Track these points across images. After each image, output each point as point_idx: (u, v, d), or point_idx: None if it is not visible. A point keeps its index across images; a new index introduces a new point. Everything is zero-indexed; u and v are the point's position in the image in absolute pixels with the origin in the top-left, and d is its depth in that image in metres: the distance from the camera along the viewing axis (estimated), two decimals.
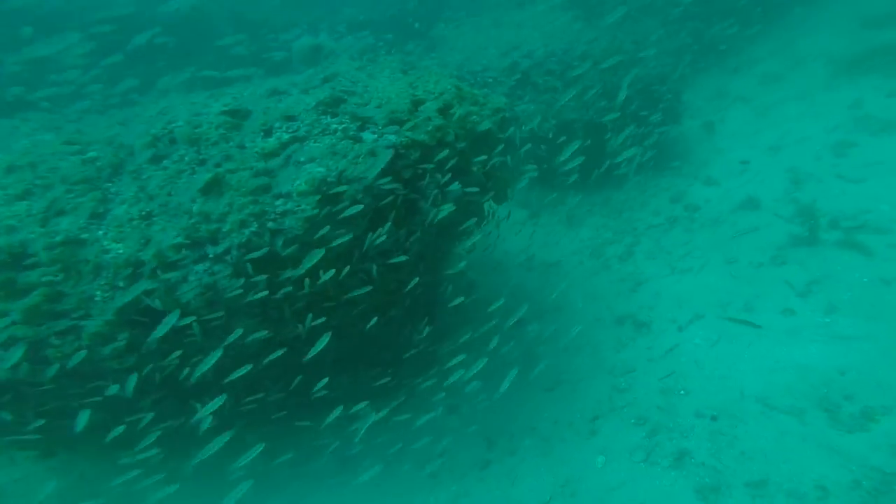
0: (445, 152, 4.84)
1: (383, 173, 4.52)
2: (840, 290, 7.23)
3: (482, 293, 9.08)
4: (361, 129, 4.96)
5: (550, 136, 10.34)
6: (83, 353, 4.06)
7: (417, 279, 5.01)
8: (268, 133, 4.90)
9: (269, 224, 4.22)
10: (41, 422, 4.45)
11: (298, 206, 4.27)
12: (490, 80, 10.63)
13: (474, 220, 5.91)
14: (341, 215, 4.30)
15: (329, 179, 4.35)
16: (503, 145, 5.72)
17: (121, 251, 4.19)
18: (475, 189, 5.18)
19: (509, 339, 7.97)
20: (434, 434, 6.82)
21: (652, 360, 7.13)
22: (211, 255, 4.22)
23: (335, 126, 4.93)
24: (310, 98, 5.39)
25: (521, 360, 7.62)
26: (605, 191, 10.89)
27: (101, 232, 4.40)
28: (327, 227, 4.24)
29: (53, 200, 4.57)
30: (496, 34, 11.95)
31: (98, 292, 4.18)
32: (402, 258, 4.74)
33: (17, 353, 3.87)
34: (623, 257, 9.08)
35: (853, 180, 9.10)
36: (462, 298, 6.55)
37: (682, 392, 6.53)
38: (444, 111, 5.23)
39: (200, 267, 4.14)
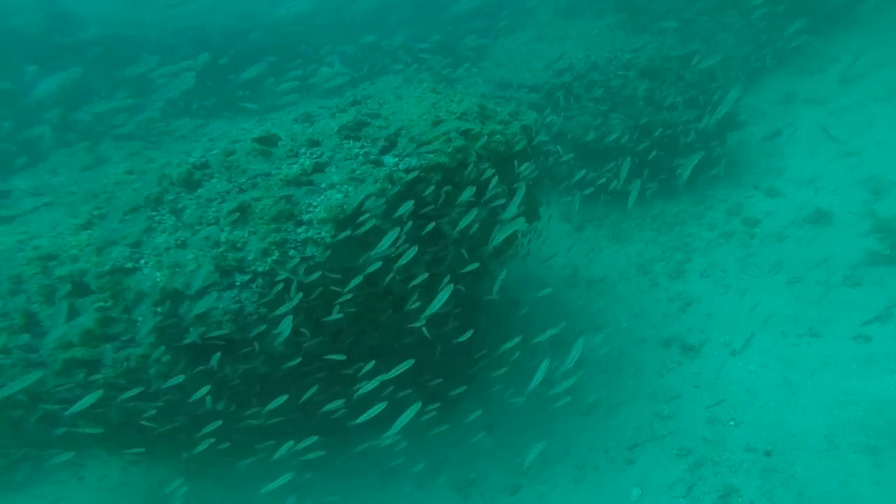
0: (468, 173, 4.79)
1: (402, 197, 4.56)
2: None
3: (523, 310, 8.84)
4: (383, 152, 5.02)
5: (596, 147, 10.00)
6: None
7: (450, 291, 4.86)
8: (293, 160, 5.03)
9: (291, 252, 4.33)
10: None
11: (319, 233, 4.35)
12: (528, 95, 10.49)
13: (505, 236, 5.75)
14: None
15: (346, 207, 4.41)
16: (532, 163, 5.58)
17: (159, 280, 4.41)
18: (508, 210, 5.05)
19: (549, 358, 7.66)
20: (469, 453, 6.66)
21: (699, 386, 6.60)
22: (238, 283, 4.38)
23: (357, 150, 5.01)
24: (335, 122, 5.50)
25: (560, 380, 7.28)
26: (657, 203, 10.34)
27: (143, 261, 4.66)
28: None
29: (111, 230, 4.87)
30: (540, 47, 11.76)
31: (139, 318, 4.43)
32: (422, 276, 4.69)
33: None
34: (672, 275, 8.53)
35: None
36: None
37: (732, 423, 5.98)
38: (466, 131, 5.16)
39: (229, 294, 4.34)
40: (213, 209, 4.83)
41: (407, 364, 4.47)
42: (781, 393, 6.11)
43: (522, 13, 15.96)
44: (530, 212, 5.94)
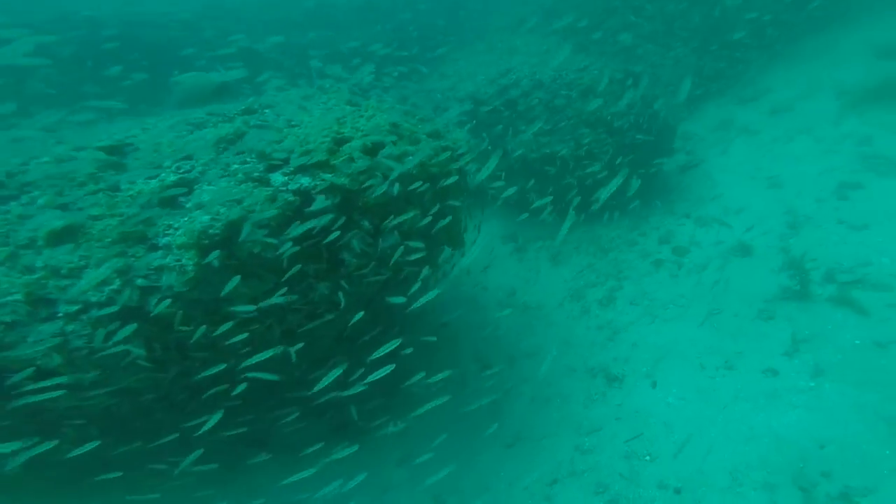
0: (374, 196, 4.62)
1: (289, 221, 4.24)
2: (829, 351, 6.81)
3: (453, 332, 8.87)
4: (270, 170, 4.62)
5: (536, 167, 10.16)
6: None
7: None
8: (154, 173, 4.50)
9: (139, 281, 3.89)
10: None
11: (179, 260, 3.94)
12: (467, 109, 10.52)
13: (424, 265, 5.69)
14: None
15: (212, 231, 4.01)
16: (456, 186, 5.51)
17: None
18: (417, 241, 4.95)
19: (475, 386, 7.73)
20: (380, 487, 6.57)
21: (620, 418, 6.78)
22: (61, 314, 3.83)
23: (236, 166, 4.59)
24: (214, 133, 5.05)
25: (485, 410, 7.33)
26: (595, 226, 10.61)
27: None
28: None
29: None
30: (488, 60, 11.86)
31: None
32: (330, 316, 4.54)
33: None
34: (604, 302, 8.76)
35: (855, 227, 8.67)
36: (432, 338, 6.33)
37: (648, 458, 6.17)
38: (373, 150, 4.90)
39: (48, 328, 3.79)
40: (30, 227, 4.13)
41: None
42: (695, 427, 6.36)
43: (479, 27, 16.10)
44: (453, 238, 5.89)
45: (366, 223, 4.64)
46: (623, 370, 7.43)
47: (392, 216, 4.75)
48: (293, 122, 5.34)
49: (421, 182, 5.06)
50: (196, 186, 4.40)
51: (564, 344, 8.23)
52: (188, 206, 4.22)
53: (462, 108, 10.40)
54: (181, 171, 4.52)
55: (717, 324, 7.75)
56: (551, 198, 8.84)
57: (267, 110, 5.87)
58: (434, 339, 7.59)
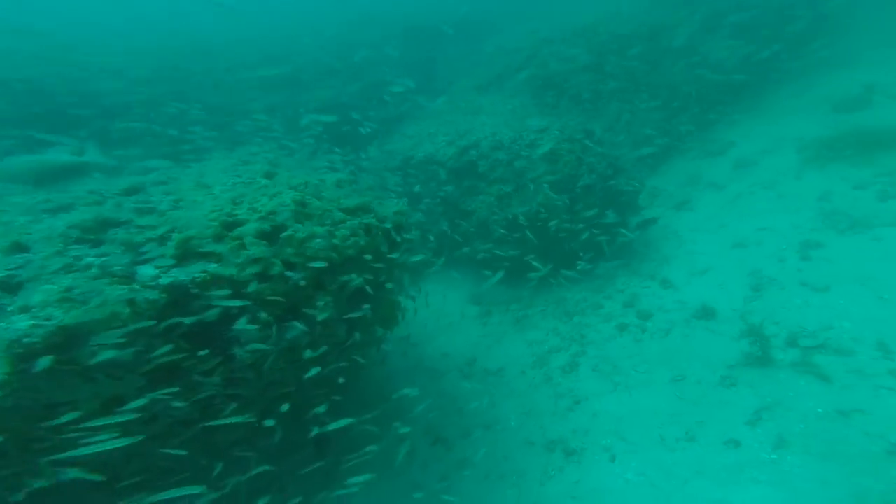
0: (270, 286, 4.37)
1: (161, 317, 3.84)
2: (792, 420, 6.60)
3: (408, 402, 8.61)
4: (137, 262, 4.23)
5: (500, 231, 10.26)
6: None
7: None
8: None
9: None
10: None
11: None
12: (428, 170, 10.71)
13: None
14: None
15: (28, 339, 3.51)
16: (383, 264, 5.45)
17: None
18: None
19: (426, 460, 7.42)
20: None
21: (576, 497, 6.46)
22: None
23: (90, 259, 4.11)
24: (66, 218, 4.56)
25: (436, 486, 7.00)
26: (561, 290, 10.58)
27: None
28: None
29: None
30: (450, 119, 12.22)
31: None
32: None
33: None
34: (567, 369, 8.58)
35: (817, 289, 8.65)
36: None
37: None
38: (272, 235, 4.65)
39: None
40: None
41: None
42: None
43: (447, 83, 16.76)
44: (386, 318, 5.80)
45: (262, 314, 4.39)
46: (582, 443, 7.17)
47: (299, 305, 4.59)
48: (182, 203, 5.06)
49: (330, 266, 4.87)
50: (28, 284, 3.91)
51: (524, 414, 7.99)
52: (10, 308, 3.74)
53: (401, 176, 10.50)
54: (9, 267, 3.97)
55: (680, 391, 7.56)
56: (503, 272, 8.86)
57: (157, 187, 5.54)
58: (376, 429, 7.32)
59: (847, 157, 11.79)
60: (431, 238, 11.87)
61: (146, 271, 4.16)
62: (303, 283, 4.62)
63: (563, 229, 9.80)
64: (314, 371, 4.76)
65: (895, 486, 5.45)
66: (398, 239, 5.78)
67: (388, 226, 5.67)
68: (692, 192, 13.12)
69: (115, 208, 4.88)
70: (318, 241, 4.77)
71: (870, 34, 17.00)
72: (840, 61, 16.18)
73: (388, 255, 5.61)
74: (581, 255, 10.19)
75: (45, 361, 3.54)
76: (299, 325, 4.55)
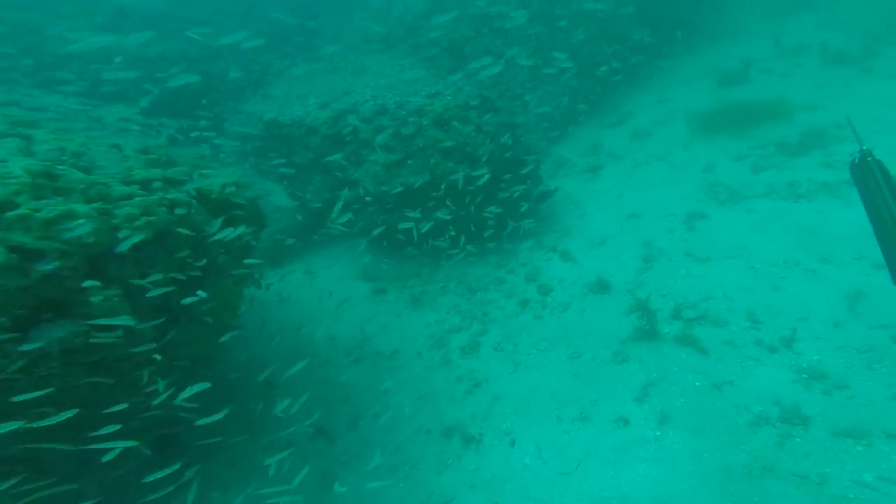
0: None
1: None
2: (674, 395, 6.90)
3: (287, 392, 8.03)
4: None
5: (390, 203, 9.61)
6: None
7: None
8: None
9: None
10: None
11: None
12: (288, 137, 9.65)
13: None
14: None
15: None
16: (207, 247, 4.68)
17: None
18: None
19: (306, 456, 6.97)
20: None
21: (475, 486, 6.38)
22: None
23: None
24: None
25: (315, 485, 6.61)
26: (462, 265, 10.30)
27: None
28: None
29: None
30: (327, 81, 11.12)
31: None
32: None
33: None
34: (467, 349, 8.40)
35: (699, 259, 9.06)
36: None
37: None
38: None
39: None
40: None
41: None
42: (549, 492, 6.10)
43: (334, 40, 15.30)
44: (227, 309, 5.09)
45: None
46: (481, 428, 7.07)
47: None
48: None
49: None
50: None
51: (420, 399, 7.75)
52: None
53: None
54: None
55: (577, 369, 7.67)
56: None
57: None
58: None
59: (727, 130, 12.38)
60: (300, 214, 10.93)
61: None
62: (66, 273, 3.87)
63: (463, 201, 9.37)
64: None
65: (757, 456, 5.86)
66: (226, 216, 5.03)
67: (214, 199, 4.89)
68: (594, 161, 13.24)
69: None
70: (80, 221, 3.96)
71: (753, 6, 17.81)
72: (725, 34, 16.84)
73: (212, 238, 4.85)
74: (485, 228, 9.91)
75: None
76: (51, 330, 3.76)
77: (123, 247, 4.20)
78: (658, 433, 6.49)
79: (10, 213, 3.97)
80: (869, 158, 4.19)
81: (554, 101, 14.57)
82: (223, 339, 5.01)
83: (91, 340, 4.15)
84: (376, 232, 9.20)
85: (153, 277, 4.41)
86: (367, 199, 9.42)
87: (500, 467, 6.52)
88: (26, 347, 3.64)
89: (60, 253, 4.00)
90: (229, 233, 4.96)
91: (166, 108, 10.68)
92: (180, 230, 4.79)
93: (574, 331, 8.30)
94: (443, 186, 9.24)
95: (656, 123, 14.05)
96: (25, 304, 3.90)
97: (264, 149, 10.66)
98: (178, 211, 4.81)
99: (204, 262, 4.94)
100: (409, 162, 9.41)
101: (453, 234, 9.45)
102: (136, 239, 4.31)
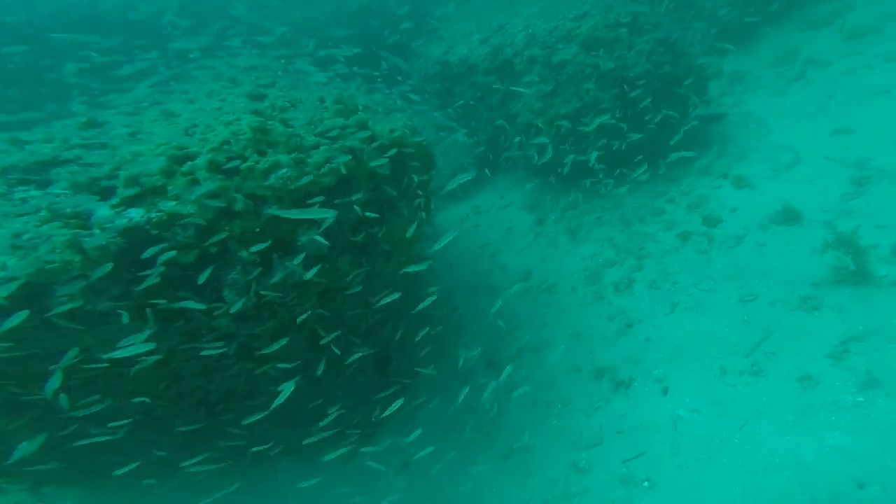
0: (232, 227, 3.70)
1: (120, 267, 3.44)
2: (889, 355, 5.42)
3: (462, 321, 8.24)
4: (101, 199, 3.79)
5: (553, 134, 8.83)
6: None
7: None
8: None
9: None
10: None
11: None
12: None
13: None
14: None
15: None
16: (383, 188, 4.59)
17: None
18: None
19: (479, 387, 7.13)
20: (378, 493, 6.31)
21: (622, 432, 5.94)
22: None
23: (36, 201, 3.73)
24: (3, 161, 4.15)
25: (485, 412, 6.76)
26: (619, 193, 9.23)
27: None
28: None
29: None
30: (488, 15, 10.31)
31: None
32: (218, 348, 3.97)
33: None
34: (620, 286, 7.65)
35: None
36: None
37: (647, 484, 5.36)
38: (228, 166, 3.98)
39: None
40: None
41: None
42: (705, 449, 5.39)
43: None
44: (398, 243, 5.04)
45: (244, 254, 3.87)
46: (632, 373, 6.47)
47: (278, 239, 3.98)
48: (140, 135, 4.42)
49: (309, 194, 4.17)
50: None
51: (574, 336, 7.34)
52: None
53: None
54: None
55: (749, 314, 6.48)
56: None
57: (121, 118, 4.88)
58: (434, 372, 7.03)
59: None
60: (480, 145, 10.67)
61: (103, 212, 3.69)
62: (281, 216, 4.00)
63: (613, 126, 8.21)
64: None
65: None
66: (392, 158, 4.86)
67: (385, 143, 4.75)
68: (786, 70, 10.53)
69: (63, 145, 4.35)
70: (283, 170, 4.02)
71: None
72: None
73: (386, 178, 4.75)
74: (638, 156, 8.65)
75: (21, 315, 3.26)
76: (287, 264, 3.99)
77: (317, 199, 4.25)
78: (860, 399, 5.21)
79: (242, 165, 4.23)
80: None
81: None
82: (408, 269, 5.08)
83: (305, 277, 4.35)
84: (536, 162, 8.64)
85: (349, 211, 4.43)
86: (522, 133, 8.83)
87: (650, 416, 5.94)
88: (273, 279, 4.01)
89: (276, 198, 4.20)
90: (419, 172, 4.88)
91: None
92: (358, 174, 4.79)
93: (748, 269, 6.96)
94: (594, 118, 8.17)
95: (888, 17, 10.48)
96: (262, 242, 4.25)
97: (441, 90, 10.64)
98: (351, 156, 4.81)
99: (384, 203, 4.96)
100: (561, 91, 8.51)
101: (602, 166, 8.42)
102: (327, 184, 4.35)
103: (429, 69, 10.55)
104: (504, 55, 8.88)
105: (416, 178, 5.64)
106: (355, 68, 8.63)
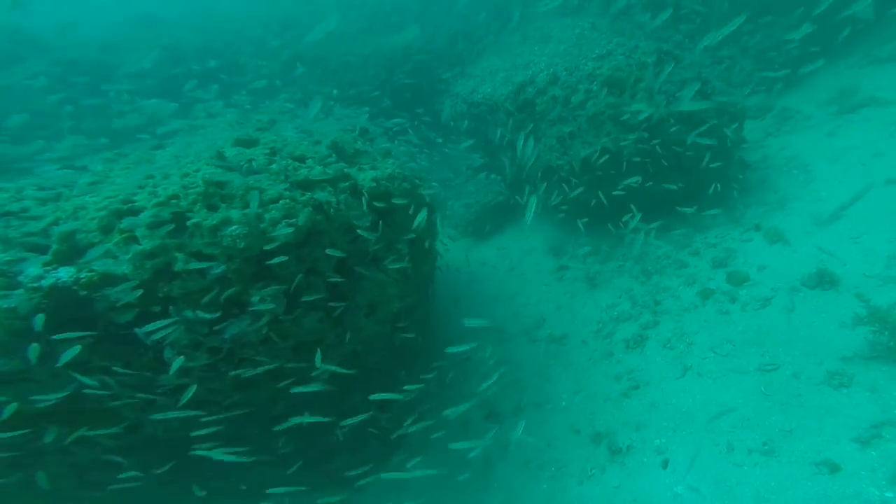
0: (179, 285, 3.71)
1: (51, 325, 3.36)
2: None
3: (468, 370, 8.01)
4: (18, 262, 3.61)
5: (572, 176, 8.55)
6: None
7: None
8: None
9: None
10: None
11: None
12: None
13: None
14: None
15: None
16: (344, 255, 4.55)
17: None
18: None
19: (475, 435, 6.84)
20: None
21: None
22: None
23: None
24: None
25: (476, 465, 6.45)
26: (643, 242, 8.68)
27: None
28: None
29: None
30: (518, 52, 10.26)
31: None
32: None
33: None
34: (632, 343, 7.10)
35: None
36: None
37: None
38: (175, 222, 3.88)
39: None
40: None
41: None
42: None
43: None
44: (384, 300, 5.00)
45: (188, 313, 3.85)
46: (632, 440, 5.92)
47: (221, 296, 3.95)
48: (99, 185, 4.34)
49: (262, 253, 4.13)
50: None
51: (577, 393, 6.87)
52: None
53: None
54: None
55: (768, 385, 5.74)
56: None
57: (101, 164, 4.83)
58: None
59: None
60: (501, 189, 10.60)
61: (31, 271, 3.59)
62: (230, 275, 3.94)
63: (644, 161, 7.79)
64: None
65: None
66: (375, 206, 4.82)
67: (368, 193, 4.72)
68: (839, 112, 9.55)
69: (15, 194, 4.37)
70: (233, 227, 3.93)
71: None
72: None
73: (361, 231, 4.69)
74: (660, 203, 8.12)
75: None
76: (245, 320, 4.02)
77: (273, 244, 4.31)
78: (889, 494, 4.41)
79: (189, 222, 4.42)
80: None
81: (779, 36, 10.91)
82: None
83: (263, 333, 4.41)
84: (557, 205, 8.44)
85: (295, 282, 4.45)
86: (544, 175, 8.68)
87: (646, 491, 5.37)
88: (228, 334, 4.05)
89: (226, 257, 4.23)
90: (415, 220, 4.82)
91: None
92: (329, 227, 4.83)
93: (772, 335, 6.21)
94: (621, 161, 7.83)
95: None
96: (210, 302, 4.25)
97: (470, 128, 10.78)
98: (324, 210, 4.83)
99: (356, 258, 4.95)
100: (580, 133, 8.25)
101: (632, 215, 7.99)
102: (279, 242, 4.47)
103: (458, 107, 10.68)
104: (526, 94, 8.78)
105: (408, 226, 5.63)
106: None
